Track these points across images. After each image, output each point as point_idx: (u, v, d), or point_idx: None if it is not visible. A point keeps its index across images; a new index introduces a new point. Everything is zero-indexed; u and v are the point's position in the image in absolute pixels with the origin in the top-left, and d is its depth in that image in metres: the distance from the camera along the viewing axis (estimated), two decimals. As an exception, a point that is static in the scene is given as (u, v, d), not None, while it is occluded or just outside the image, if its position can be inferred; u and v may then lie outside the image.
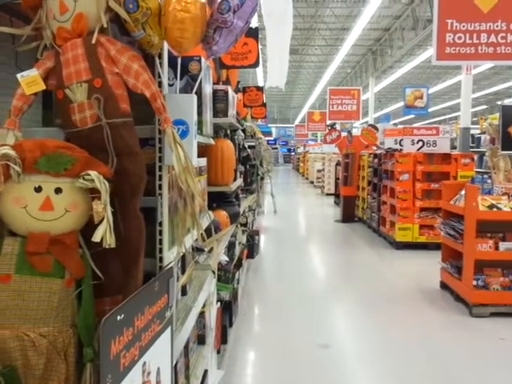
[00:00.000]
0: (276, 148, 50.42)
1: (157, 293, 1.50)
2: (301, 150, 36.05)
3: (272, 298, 5.97)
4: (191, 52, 1.77)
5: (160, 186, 1.61)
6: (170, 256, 1.64)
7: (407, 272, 7.19)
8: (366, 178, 10.98)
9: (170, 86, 2.48)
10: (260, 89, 7.98)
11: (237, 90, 7.62)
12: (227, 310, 4.14)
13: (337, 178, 14.61)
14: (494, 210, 5.18)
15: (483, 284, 5.23)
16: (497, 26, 6.64)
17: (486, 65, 20.40)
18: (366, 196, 10.94)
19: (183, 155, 1.45)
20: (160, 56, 1.61)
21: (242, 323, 4.78)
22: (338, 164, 14.52)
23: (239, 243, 5.76)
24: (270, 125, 43.17)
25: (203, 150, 4.13)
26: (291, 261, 8.01)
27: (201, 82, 2.48)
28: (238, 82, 7.57)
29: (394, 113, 35.19)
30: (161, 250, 1.62)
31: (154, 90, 1.48)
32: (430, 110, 27.16)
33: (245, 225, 6.59)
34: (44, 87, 1.52)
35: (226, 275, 3.72)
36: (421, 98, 20.88)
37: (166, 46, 1.61)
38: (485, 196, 5.24)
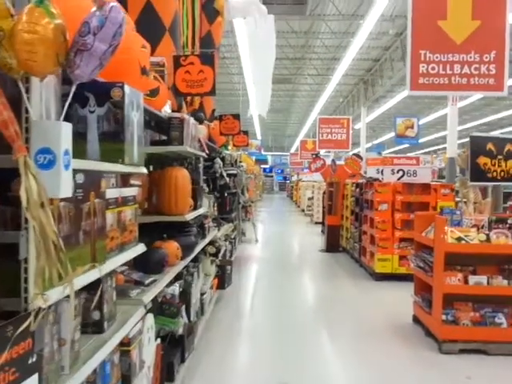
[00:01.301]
0: (271, 176, 50.56)
1: (10, 338, 1.36)
2: (295, 178, 36.06)
3: (240, 330, 5.78)
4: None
5: (26, 220, 1.49)
6: (39, 295, 1.50)
7: (383, 305, 7.01)
8: (350, 208, 10.87)
9: (92, 112, 2.39)
10: (236, 117, 7.93)
11: (212, 118, 7.59)
12: (178, 345, 3.96)
13: (324, 207, 14.50)
14: (463, 242, 5.04)
15: (453, 319, 5.07)
16: (470, 57, 6.62)
17: (476, 96, 20.54)
18: (350, 226, 10.81)
19: (35, 187, 1.34)
20: (27, 80, 1.50)
21: (197, 359, 4.59)
22: (324, 192, 14.44)
23: (205, 275, 5.61)
24: (266, 153, 43.34)
25: (154, 179, 4.04)
26: (267, 292, 7.83)
27: (123, 109, 2.38)
28: (214, 110, 7.53)
29: (388, 142, 35.30)
30: (26, 290, 1.49)
31: (4, 117, 1.37)
32: (423, 139, 27.27)
33: (215, 255, 6.45)
34: None
35: (170, 309, 3.56)
36: (411, 127, 20.99)
37: (37, 69, 1.51)
38: (453, 228, 5.11)
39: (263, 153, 39.39)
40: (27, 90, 1.49)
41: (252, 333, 5.73)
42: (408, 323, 5.96)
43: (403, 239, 8.26)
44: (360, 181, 10.18)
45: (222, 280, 6.70)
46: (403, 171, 8.72)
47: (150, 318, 3.05)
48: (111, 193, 2.31)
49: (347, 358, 5.02)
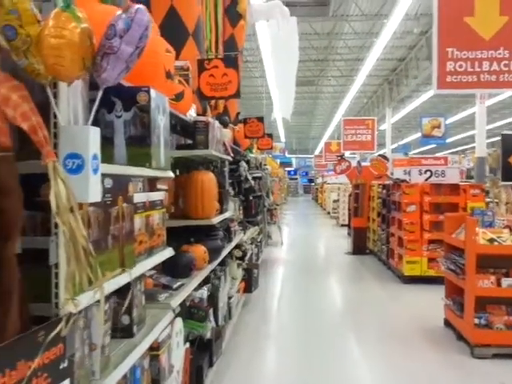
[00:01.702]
0: (296, 179, 50.39)
1: (42, 343, 1.36)
2: (319, 180, 35.88)
3: (267, 334, 5.75)
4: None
5: (56, 225, 1.49)
6: (70, 300, 1.50)
7: (412, 308, 6.89)
8: (376, 209, 10.74)
9: (118, 117, 2.39)
10: (260, 120, 7.91)
11: (236, 122, 7.59)
12: (206, 349, 3.95)
13: (349, 209, 14.37)
14: (495, 243, 4.92)
15: (486, 323, 4.94)
16: (499, 54, 6.49)
17: (506, 93, 20.13)
18: (377, 228, 10.68)
19: (65, 192, 1.33)
20: (55, 85, 1.50)
21: (225, 363, 4.57)
22: (350, 194, 14.31)
23: (232, 278, 5.59)
24: (290, 155, 43.20)
25: (181, 183, 4.04)
26: (294, 295, 7.78)
27: (149, 114, 2.38)
28: (238, 113, 7.53)
29: (414, 143, 34.84)
30: (57, 295, 1.49)
31: (33, 123, 1.38)
32: (450, 139, 26.81)
33: (241, 258, 6.43)
34: None
35: (199, 313, 3.55)
36: (438, 127, 20.63)
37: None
38: (485, 229, 4.99)
39: (287, 155, 39.28)
40: (55, 96, 1.50)
41: (279, 337, 5.69)
42: (439, 327, 5.84)
43: (432, 241, 8.11)
44: (387, 182, 10.06)
45: (249, 283, 6.67)
46: (431, 172, 8.58)
47: (179, 322, 3.04)
48: (139, 197, 2.31)
49: (376, 362, 4.94)
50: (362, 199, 11.26)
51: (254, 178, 9.11)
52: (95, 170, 1.51)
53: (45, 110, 1.48)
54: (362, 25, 16.12)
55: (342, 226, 17.05)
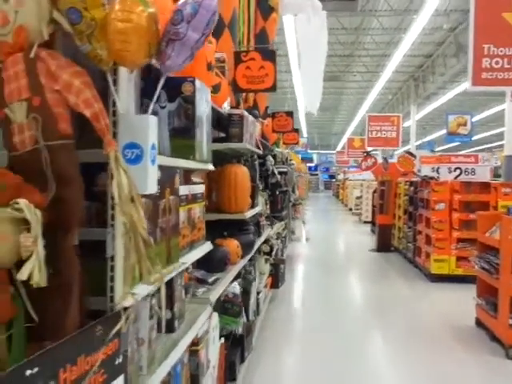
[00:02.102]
0: (317, 174, 50.11)
1: (100, 338, 1.33)
2: (341, 176, 35.64)
3: (294, 330, 5.70)
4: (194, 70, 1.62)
5: (113, 216, 1.45)
6: (127, 294, 1.46)
7: (441, 307, 6.78)
8: (402, 207, 10.59)
9: (162, 108, 2.35)
10: (290, 114, 7.84)
11: (265, 115, 7.52)
12: (238, 344, 3.91)
13: (374, 206, 14.23)
14: (532, 244, 4.79)
15: (521, 324, 4.82)
16: (537, 50, 6.32)
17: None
18: (402, 225, 10.54)
19: (127, 182, 1.29)
20: (115, 72, 1.46)
21: (256, 359, 4.53)
22: (374, 191, 14.16)
23: (260, 273, 5.55)
24: (311, 151, 42.97)
25: (215, 176, 4.00)
26: (320, 292, 7.70)
27: (194, 105, 2.34)
28: (267, 107, 7.47)
29: (438, 140, 34.39)
30: (112, 289, 1.45)
31: (96, 110, 1.34)
32: (475, 137, 26.42)
33: (269, 253, 6.38)
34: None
35: (233, 308, 3.51)
36: (464, 125, 20.31)
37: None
38: (523, 229, 4.86)
39: (308, 151, 39.07)
40: (114, 83, 1.46)
41: (306, 334, 5.62)
42: (470, 327, 5.73)
43: (461, 240, 7.97)
44: (414, 179, 9.90)
45: (276, 279, 6.63)
46: (461, 169, 8.43)
47: (216, 316, 3.01)
48: (182, 190, 2.27)
49: (412, 361, 4.84)
50: (387, 196, 11.12)
51: (280, 173, 9.05)
52: (153, 161, 1.47)
53: (103, 98, 1.44)
54: (390, 20, 15.90)
55: (365, 222, 16.90)
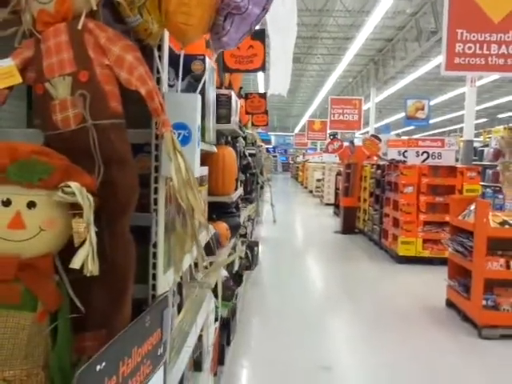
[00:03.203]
0: (275, 156, 50.26)
1: (148, 329, 1.26)
2: (300, 158, 35.86)
3: (270, 312, 5.73)
4: (194, 47, 1.54)
5: (156, 201, 1.37)
6: (166, 282, 1.40)
7: (411, 288, 6.94)
8: (368, 189, 10.75)
9: (170, 86, 2.25)
10: (263, 96, 7.77)
11: (239, 96, 7.41)
12: (225, 328, 3.88)
13: (337, 188, 14.39)
14: (506, 226, 4.95)
15: (493, 304, 4.99)
16: (508, 37, 6.45)
17: (489, 78, 20.29)
18: (368, 207, 10.71)
19: (184, 166, 1.22)
20: (160, 48, 1.37)
21: (239, 341, 4.52)
22: (338, 174, 14.30)
23: (240, 257, 5.51)
24: (269, 133, 43.00)
25: (204, 158, 3.91)
26: (290, 273, 7.75)
27: (204, 84, 2.25)
28: (241, 88, 7.36)
29: (394, 123, 35.05)
30: (154, 276, 1.38)
31: (150, 87, 1.24)
32: (430, 121, 27.05)
33: (244, 235, 6.36)
34: (20, 80, 1.28)
35: (225, 292, 3.47)
36: (422, 109, 20.72)
37: (166, 36, 1.38)
38: (496, 212, 5.01)
39: (267, 133, 39.06)
40: (160, 59, 1.36)
41: (281, 317, 5.60)
42: (441, 307, 5.89)
43: (428, 222, 8.17)
44: (381, 162, 10.05)
45: (250, 261, 6.60)
46: (428, 153, 8.59)
47: (212, 300, 2.96)
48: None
49: (384, 342, 4.93)
50: (353, 179, 11.25)
51: (249, 155, 8.99)
52: (198, 143, 1.40)
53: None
54: (353, 2, 15.96)
55: (327, 204, 17.10)
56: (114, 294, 1.25)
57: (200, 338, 2.53)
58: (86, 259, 1.10)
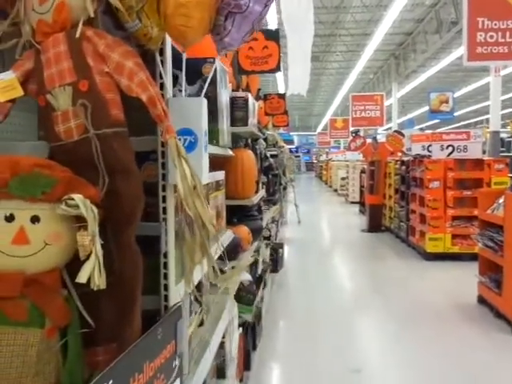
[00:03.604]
0: (298, 156, 50.10)
1: (161, 341, 1.23)
2: (323, 157, 35.65)
3: (297, 314, 5.66)
4: (200, 49, 1.50)
5: (164, 210, 1.34)
6: (178, 292, 1.36)
7: (440, 285, 6.80)
8: (393, 186, 10.59)
9: (181, 91, 2.23)
10: (282, 96, 7.72)
11: (257, 98, 7.38)
12: (250, 332, 3.84)
13: (362, 186, 14.23)
14: (537, 219, 4.79)
15: (526, 300, 4.84)
16: (531, 24, 6.28)
17: (513, 67, 19.84)
18: (394, 204, 10.55)
19: (189, 172, 1.18)
20: (161, 52, 1.34)
21: (266, 345, 4.47)
22: (362, 171, 14.14)
23: (263, 260, 5.46)
24: (291, 133, 42.86)
25: (222, 162, 3.88)
26: (317, 274, 7.67)
27: (215, 87, 2.22)
28: (259, 90, 7.33)
29: (418, 118, 34.56)
30: (166, 287, 1.35)
31: (152, 93, 1.21)
32: (455, 114, 26.60)
33: (268, 238, 6.30)
34: (22, 93, 1.26)
35: (247, 296, 3.43)
36: (446, 102, 20.36)
37: (168, 40, 1.35)
38: (526, 204, 4.86)
39: (290, 133, 38.93)
40: (162, 64, 1.33)
41: (310, 319, 5.53)
42: (472, 304, 5.75)
43: (456, 217, 7.99)
44: (406, 158, 9.88)
45: (275, 263, 6.56)
46: (453, 147, 8.41)
47: (235, 306, 2.92)
48: (209, 177, 2.16)
49: (416, 340, 4.82)
50: (377, 176, 11.10)
51: (271, 156, 8.94)
52: (206, 148, 1.36)
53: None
54: (371, -3, 15.80)
55: (352, 203, 16.94)
56: (123, 306, 1.22)
57: (222, 345, 2.49)
58: (92, 272, 1.07)
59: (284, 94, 7.85)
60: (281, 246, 6.86)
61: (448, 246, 7.99)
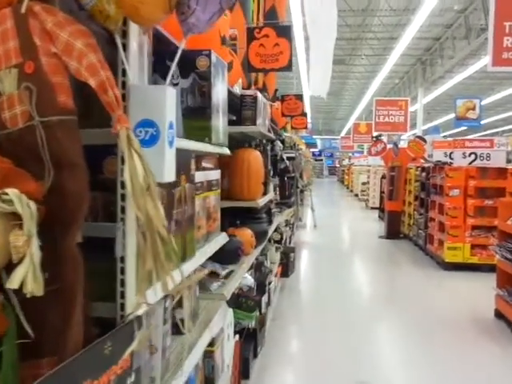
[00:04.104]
0: (321, 160, 49.77)
1: (109, 356, 1.10)
2: (346, 162, 35.32)
3: (307, 321, 5.50)
4: (206, 42, 1.38)
5: (123, 209, 1.21)
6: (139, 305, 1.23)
7: (458, 297, 6.56)
8: (413, 193, 10.34)
9: (175, 85, 2.10)
10: (299, 97, 7.56)
11: (275, 98, 7.25)
12: (251, 339, 3.70)
13: (382, 192, 13.97)
14: (560, 232, 4.55)
15: (545, 316, 4.61)
16: (560, 28, 6.01)
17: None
18: (413, 212, 10.29)
19: (141, 169, 1.05)
20: (124, 34, 1.21)
21: (269, 352, 4.32)
22: (383, 177, 13.88)
23: (270, 263, 5.32)
24: (315, 136, 42.58)
25: (226, 162, 3.75)
26: (330, 280, 7.48)
27: (210, 81, 2.09)
28: (276, 90, 7.19)
29: (444, 125, 33.97)
30: (123, 294, 1.22)
31: (102, 78, 1.08)
32: (482, 122, 26.09)
33: (279, 241, 6.16)
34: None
35: (248, 302, 3.30)
36: (473, 109, 19.91)
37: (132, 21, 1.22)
38: (548, 217, 4.63)
39: (313, 136, 38.68)
40: (124, 47, 1.21)
41: (319, 325, 5.40)
42: (489, 318, 5.51)
43: (476, 227, 7.73)
44: (426, 165, 9.63)
45: (286, 268, 6.41)
46: (475, 155, 8.15)
47: (230, 313, 2.79)
48: (198, 176, 2.03)
49: (430, 354, 4.62)
50: (397, 182, 10.86)
51: (288, 159, 8.80)
52: (171, 143, 1.23)
53: (109, 67, 1.18)
54: (398, 1, 15.51)
55: (372, 208, 16.67)
56: (60, 316, 1.09)
57: (211, 354, 2.36)
58: (25, 277, 0.95)
59: (302, 96, 7.70)
60: (292, 250, 6.71)
61: (467, 256, 7.74)
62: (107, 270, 1.23)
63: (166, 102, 1.20)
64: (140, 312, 1.21)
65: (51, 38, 1.10)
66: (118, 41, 1.19)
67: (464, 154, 8.21)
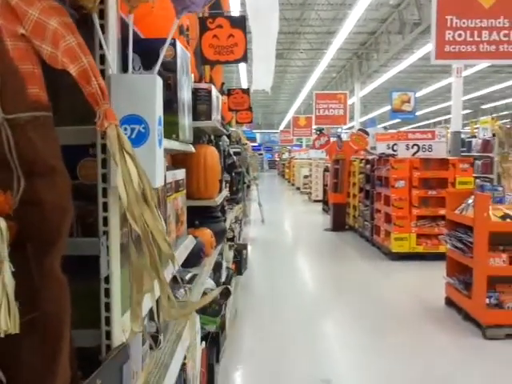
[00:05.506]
0: (261, 154, 49.95)
1: (98, 395, 0.93)
2: (286, 155, 35.61)
3: (262, 321, 5.39)
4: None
5: (106, 220, 1.04)
6: (125, 326, 1.06)
7: (407, 286, 6.67)
8: (358, 185, 10.47)
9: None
10: (246, 91, 7.44)
11: (221, 93, 7.07)
12: (214, 344, 3.55)
13: (325, 185, 14.10)
14: (508, 220, 4.68)
15: (496, 302, 4.72)
16: (499, 23, 6.21)
17: (473, 68, 20.16)
18: (358, 203, 10.43)
19: (136, 173, 0.89)
20: (102, 15, 1.03)
21: (229, 356, 4.19)
22: (326, 170, 14.01)
23: (226, 266, 5.17)
24: (254, 130, 42.64)
25: (182, 159, 3.57)
26: (281, 275, 7.44)
27: (176, 73, 1.92)
28: (223, 84, 7.03)
29: (379, 117, 34.89)
30: (108, 320, 1.05)
31: (85, 65, 0.90)
32: (416, 113, 26.94)
33: (232, 239, 6.03)
34: None
35: (213, 307, 3.15)
36: (408, 101, 20.54)
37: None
38: (497, 205, 4.74)
39: (252, 130, 38.73)
40: (103, 30, 1.02)
41: (275, 325, 5.29)
42: (440, 306, 5.62)
43: (421, 217, 7.91)
44: (371, 157, 9.77)
45: (239, 265, 6.28)
46: (418, 146, 8.33)
47: (198, 320, 2.63)
48: (168, 176, 1.86)
49: (383, 345, 4.64)
50: (341, 174, 10.97)
51: (234, 154, 8.67)
52: (160, 141, 1.07)
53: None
54: (336, -6, 15.69)
55: (315, 201, 16.83)
56: (47, 355, 0.91)
57: (183, 367, 2.20)
58: (-2, 312, 0.77)
59: (248, 90, 7.58)
60: (245, 246, 6.58)
61: (413, 245, 7.90)
62: (86, 291, 1.06)
63: (155, 94, 1.04)
64: (126, 339, 1.04)
65: (17, 17, 0.90)
66: (96, 21, 1.00)
67: (407, 145, 8.37)
